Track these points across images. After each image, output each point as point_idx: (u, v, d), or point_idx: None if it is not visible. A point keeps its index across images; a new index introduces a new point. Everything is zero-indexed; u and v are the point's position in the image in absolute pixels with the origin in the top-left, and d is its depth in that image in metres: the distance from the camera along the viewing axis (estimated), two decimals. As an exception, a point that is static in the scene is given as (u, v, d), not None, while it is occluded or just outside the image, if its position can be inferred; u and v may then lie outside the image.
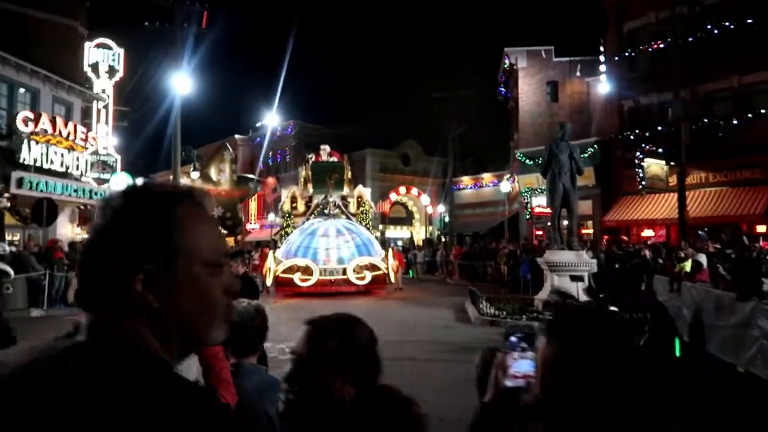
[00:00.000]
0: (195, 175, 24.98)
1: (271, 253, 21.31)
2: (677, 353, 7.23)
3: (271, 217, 45.55)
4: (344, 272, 20.04)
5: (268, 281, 20.13)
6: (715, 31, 21.67)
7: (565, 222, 15.18)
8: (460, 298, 16.58)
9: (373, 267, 20.53)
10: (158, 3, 22.83)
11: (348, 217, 23.12)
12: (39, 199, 14.83)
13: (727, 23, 21.36)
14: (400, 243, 34.62)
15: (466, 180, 35.93)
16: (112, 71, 25.79)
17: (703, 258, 10.75)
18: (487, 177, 34.86)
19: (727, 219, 20.97)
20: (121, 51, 26.09)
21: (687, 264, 10.31)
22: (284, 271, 20.16)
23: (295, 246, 21.38)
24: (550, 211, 14.34)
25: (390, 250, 21.53)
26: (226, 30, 48.33)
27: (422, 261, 26.78)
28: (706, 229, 21.33)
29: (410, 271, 27.47)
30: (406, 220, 41.97)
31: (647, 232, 24.34)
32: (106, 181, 22.80)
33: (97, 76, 25.21)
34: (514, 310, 13.07)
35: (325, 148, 25.30)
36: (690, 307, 9.55)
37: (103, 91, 25.09)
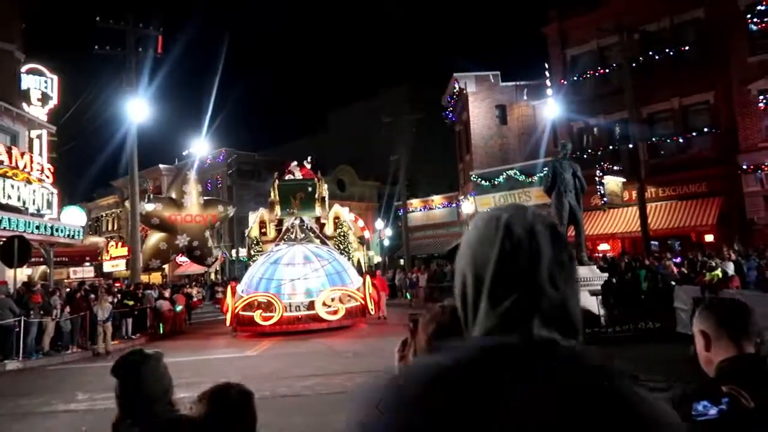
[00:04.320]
0: (150, 206, 22.96)
1: (229, 288, 18.72)
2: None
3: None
4: (311, 306, 17.38)
5: (227, 320, 17.69)
6: (656, 57, 23.45)
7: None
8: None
9: (347, 298, 17.85)
10: (108, 26, 21.52)
11: (323, 241, 20.84)
12: (9, 238, 13.17)
13: (667, 50, 23.16)
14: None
15: (415, 203, 36.15)
16: (45, 98, 23.83)
17: (730, 267, 11.38)
18: (437, 199, 35.29)
19: (680, 231, 22.53)
20: (55, 77, 24.22)
21: (718, 272, 10.86)
22: (244, 308, 17.31)
23: (257, 278, 18.52)
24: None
25: (368, 277, 19.07)
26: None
27: (425, 285, 24.48)
28: (656, 243, 23.03)
29: (407, 294, 26.08)
30: (344, 245, 41.46)
31: (603, 246, 25.57)
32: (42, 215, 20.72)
33: (29, 104, 23.16)
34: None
35: (296, 165, 23.71)
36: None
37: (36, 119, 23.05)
